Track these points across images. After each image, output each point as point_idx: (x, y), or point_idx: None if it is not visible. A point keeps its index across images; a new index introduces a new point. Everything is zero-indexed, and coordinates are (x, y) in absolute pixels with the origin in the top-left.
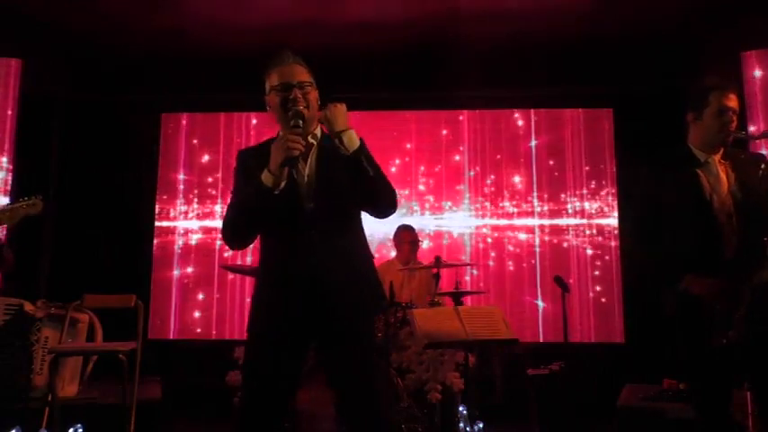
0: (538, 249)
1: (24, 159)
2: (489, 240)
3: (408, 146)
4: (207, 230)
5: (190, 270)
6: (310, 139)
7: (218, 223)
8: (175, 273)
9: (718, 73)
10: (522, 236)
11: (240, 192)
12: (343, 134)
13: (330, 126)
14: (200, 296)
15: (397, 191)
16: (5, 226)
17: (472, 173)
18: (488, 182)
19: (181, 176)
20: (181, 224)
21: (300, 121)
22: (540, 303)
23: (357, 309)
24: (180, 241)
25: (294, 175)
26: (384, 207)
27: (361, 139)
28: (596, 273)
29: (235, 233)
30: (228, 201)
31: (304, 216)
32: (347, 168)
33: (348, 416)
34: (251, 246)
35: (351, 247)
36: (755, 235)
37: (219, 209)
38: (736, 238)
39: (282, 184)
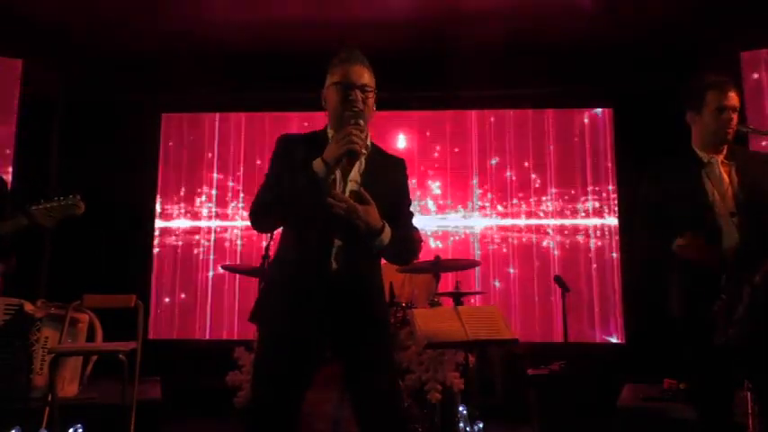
0: (538, 249)
1: (24, 159)
2: (492, 240)
3: (411, 146)
4: (207, 231)
5: (188, 270)
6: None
7: (216, 224)
8: (175, 273)
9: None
10: (524, 236)
11: (282, 177)
12: (383, 230)
13: (368, 223)
14: (201, 296)
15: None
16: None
17: (474, 172)
18: (489, 182)
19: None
20: (181, 224)
21: (361, 121)
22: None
23: (377, 310)
24: (178, 241)
25: (337, 180)
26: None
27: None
28: (596, 272)
29: (268, 216)
30: (263, 182)
31: (336, 220)
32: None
33: (365, 416)
34: (247, 243)
35: (369, 253)
36: (758, 235)
37: (209, 209)
38: (738, 239)
39: (332, 177)
